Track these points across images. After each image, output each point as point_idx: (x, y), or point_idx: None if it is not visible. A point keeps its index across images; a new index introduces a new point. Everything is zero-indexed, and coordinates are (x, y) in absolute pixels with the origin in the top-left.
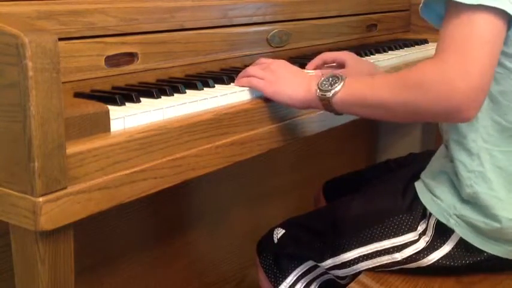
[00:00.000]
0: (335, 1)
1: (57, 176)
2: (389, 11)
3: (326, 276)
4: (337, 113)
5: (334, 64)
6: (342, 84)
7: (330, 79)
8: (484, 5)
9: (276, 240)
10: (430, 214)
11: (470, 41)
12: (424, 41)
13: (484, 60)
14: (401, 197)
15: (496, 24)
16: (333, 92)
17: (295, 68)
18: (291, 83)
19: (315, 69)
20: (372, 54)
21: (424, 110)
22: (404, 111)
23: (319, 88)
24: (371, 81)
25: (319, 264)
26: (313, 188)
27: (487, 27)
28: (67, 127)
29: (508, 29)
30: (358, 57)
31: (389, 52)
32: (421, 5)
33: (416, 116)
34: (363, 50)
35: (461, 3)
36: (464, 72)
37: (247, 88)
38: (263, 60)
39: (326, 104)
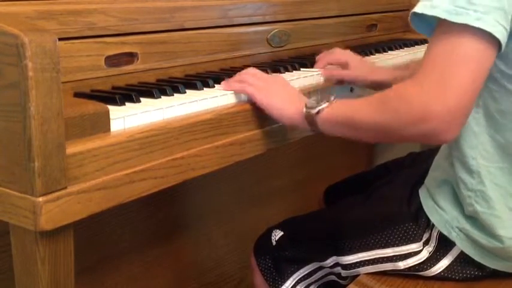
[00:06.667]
0: (335, 1)
1: (57, 176)
2: (389, 11)
3: (325, 279)
4: (322, 133)
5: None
6: (328, 103)
7: (319, 98)
8: (469, 26)
9: (274, 243)
10: (434, 224)
11: (452, 62)
12: (424, 41)
13: (464, 82)
14: (406, 204)
15: (482, 46)
16: (317, 109)
17: (288, 85)
18: (282, 98)
19: (323, 67)
20: (372, 54)
21: (399, 132)
22: (381, 132)
23: (305, 106)
24: (355, 101)
25: (321, 263)
26: (313, 188)
27: (471, 48)
28: (67, 127)
29: (499, 50)
30: (360, 57)
31: (389, 52)
32: (410, 15)
33: (394, 138)
34: (363, 50)
35: (448, 21)
36: (441, 95)
37: None
38: (255, 71)
39: (310, 121)
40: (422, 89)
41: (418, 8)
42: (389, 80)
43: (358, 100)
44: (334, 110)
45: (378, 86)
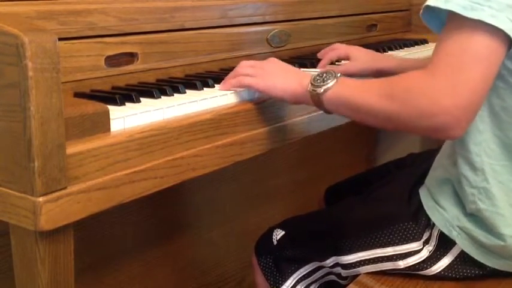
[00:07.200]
0: (335, 1)
1: (57, 176)
2: (389, 11)
3: (325, 279)
4: (327, 112)
5: (345, 61)
6: (334, 81)
7: (324, 75)
8: (483, 22)
9: (275, 242)
10: (434, 223)
11: (464, 57)
12: (424, 41)
13: (476, 78)
14: (406, 204)
15: (494, 43)
16: (324, 88)
17: (286, 64)
18: (282, 76)
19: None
20: None
21: (406, 123)
22: (388, 121)
23: (311, 83)
24: (363, 83)
25: (321, 263)
26: (313, 188)
27: (483, 45)
28: (67, 127)
29: (509, 48)
30: (360, 47)
31: (389, 52)
32: (422, 10)
33: (401, 128)
34: None
35: (461, 15)
36: (452, 90)
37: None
38: (249, 62)
39: (316, 100)
40: (434, 82)
41: (431, 1)
42: (394, 67)
43: (366, 82)
44: (341, 91)
45: (383, 75)
